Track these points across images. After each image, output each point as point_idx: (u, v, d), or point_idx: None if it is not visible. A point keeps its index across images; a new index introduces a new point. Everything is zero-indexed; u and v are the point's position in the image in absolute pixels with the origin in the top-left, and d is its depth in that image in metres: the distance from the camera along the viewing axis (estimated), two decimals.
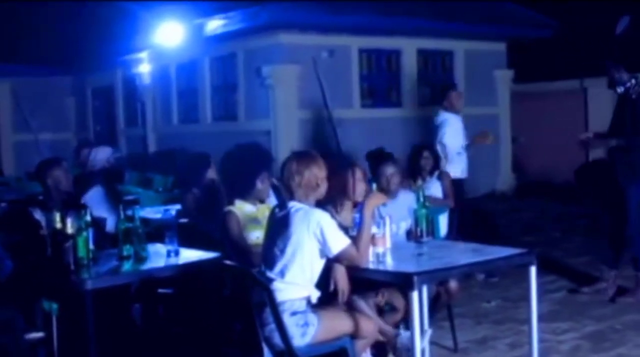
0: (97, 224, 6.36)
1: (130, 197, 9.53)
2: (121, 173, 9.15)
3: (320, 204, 5.20)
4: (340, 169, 5.65)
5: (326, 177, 5.13)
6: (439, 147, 9.30)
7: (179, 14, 15.19)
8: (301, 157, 5.13)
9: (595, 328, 7.10)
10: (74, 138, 21.56)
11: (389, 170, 6.59)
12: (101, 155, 8.75)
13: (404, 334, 5.74)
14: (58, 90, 21.21)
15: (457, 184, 8.90)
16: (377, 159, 6.93)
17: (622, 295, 8.09)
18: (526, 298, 5.37)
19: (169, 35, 15.46)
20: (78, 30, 18.78)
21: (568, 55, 19.67)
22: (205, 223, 6.73)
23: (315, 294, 4.95)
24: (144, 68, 18.21)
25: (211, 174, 7.38)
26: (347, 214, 5.69)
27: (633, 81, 7.90)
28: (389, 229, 5.39)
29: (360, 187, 5.79)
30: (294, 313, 4.81)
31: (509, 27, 16.94)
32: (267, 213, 5.46)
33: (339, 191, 5.63)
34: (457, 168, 9.40)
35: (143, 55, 17.87)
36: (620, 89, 7.96)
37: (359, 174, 5.84)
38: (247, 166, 5.94)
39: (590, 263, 9.31)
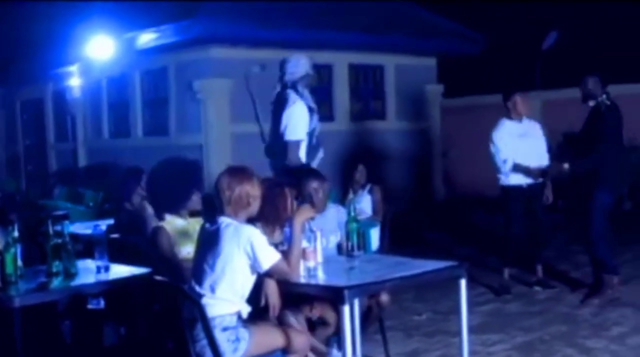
0: None
1: (59, 213, 9.40)
2: None
3: (252, 222, 5.18)
4: (275, 195, 5.61)
5: (260, 197, 5.11)
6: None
7: (110, 27, 15.08)
8: (234, 172, 5.08)
9: (524, 339, 7.19)
10: (2, 152, 21.26)
11: (314, 184, 6.61)
12: None
13: (335, 354, 5.77)
14: None
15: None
16: (304, 174, 6.92)
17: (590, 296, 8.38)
18: (456, 310, 5.43)
19: (99, 48, 15.31)
20: (7, 42, 18.51)
21: (497, 69, 19.96)
22: (137, 238, 6.68)
23: (246, 310, 4.94)
24: (75, 81, 17.99)
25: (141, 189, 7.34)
26: (278, 233, 5.68)
27: (604, 96, 8.23)
28: (320, 243, 5.40)
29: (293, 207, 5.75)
30: (225, 329, 4.80)
31: (439, 41, 17.10)
32: (198, 227, 5.44)
33: (275, 217, 5.62)
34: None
35: (73, 68, 17.66)
36: (591, 103, 8.30)
37: (291, 195, 5.81)
38: (175, 180, 5.92)
39: (518, 274, 9.42)
